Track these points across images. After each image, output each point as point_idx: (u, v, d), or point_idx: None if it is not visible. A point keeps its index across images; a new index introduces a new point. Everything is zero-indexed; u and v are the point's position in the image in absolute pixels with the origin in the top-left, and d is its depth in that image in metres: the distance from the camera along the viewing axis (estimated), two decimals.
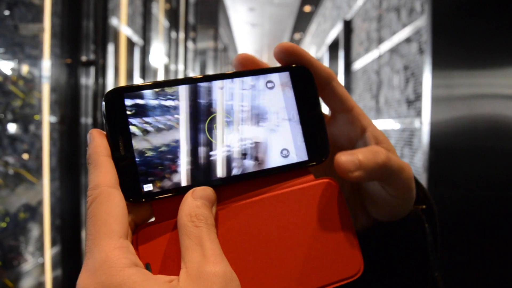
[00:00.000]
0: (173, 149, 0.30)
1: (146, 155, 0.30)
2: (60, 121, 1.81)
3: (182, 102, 0.31)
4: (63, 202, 1.83)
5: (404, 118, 2.24)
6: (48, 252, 1.70)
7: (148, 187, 0.29)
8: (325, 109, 0.35)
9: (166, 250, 0.29)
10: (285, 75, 0.33)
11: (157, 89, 0.30)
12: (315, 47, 6.80)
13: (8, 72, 1.46)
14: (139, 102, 0.30)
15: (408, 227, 0.36)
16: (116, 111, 0.29)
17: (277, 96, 0.33)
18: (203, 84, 0.31)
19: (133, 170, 0.29)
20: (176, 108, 0.31)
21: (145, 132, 0.30)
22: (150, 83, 0.30)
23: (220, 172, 0.31)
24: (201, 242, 0.26)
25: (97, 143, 0.29)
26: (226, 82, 0.32)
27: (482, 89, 1.78)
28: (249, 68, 0.33)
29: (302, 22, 8.64)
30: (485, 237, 1.76)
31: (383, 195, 0.33)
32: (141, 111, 0.30)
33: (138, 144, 0.30)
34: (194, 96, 0.31)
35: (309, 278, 0.30)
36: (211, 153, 0.31)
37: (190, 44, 5.13)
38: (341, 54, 3.86)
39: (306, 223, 0.31)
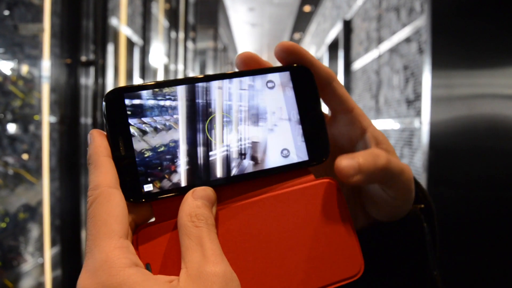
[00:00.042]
0: (174, 149, 0.30)
1: (146, 155, 0.30)
2: (59, 121, 1.81)
3: (183, 102, 0.31)
4: (63, 202, 1.83)
5: (404, 118, 2.24)
6: (48, 252, 1.70)
7: (148, 187, 0.29)
8: (325, 109, 0.35)
9: (166, 250, 0.29)
10: (286, 75, 0.33)
11: (157, 89, 0.30)
12: (314, 47, 6.80)
13: (8, 72, 1.46)
14: (139, 103, 0.30)
15: (407, 227, 0.36)
16: (117, 111, 0.29)
17: (277, 96, 0.33)
18: (203, 84, 0.31)
19: (133, 170, 0.29)
20: (176, 108, 0.31)
21: (146, 132, 0.30)
22: (151, 83, 0.30)
23: (220, 172, 0.31)
24: (201, 242, 0.26)
25: (98, 143, 0.29)
26: (226, 82, 0.32)
27: (482, 89, 1.78)
28: (252, 67, 0.33)
29: (301, 22, 8.64)
30: (485, 237, 1.76)
31: (383, 196, 0.33)
32: (142, 111, 0.30)
33: (138, 144, 0.30)
34: (194, 96, 0.31)
35: (309, 278, 0.30)
36: (212, 153, 0.31)
37: (190, 44, 5.13)
38: (340, 54, 3.86)
39: (307, 223, 0.31)
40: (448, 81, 1.78)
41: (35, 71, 1.63)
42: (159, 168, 0.30)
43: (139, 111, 0.30)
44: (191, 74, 5.16)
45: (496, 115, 1.77)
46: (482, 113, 1.77)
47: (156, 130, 0.30)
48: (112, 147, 0.29)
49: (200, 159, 0.31)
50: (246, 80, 0.32)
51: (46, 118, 1.67)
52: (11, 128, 1.48)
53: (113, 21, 2.35)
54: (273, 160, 0.32)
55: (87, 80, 1.93)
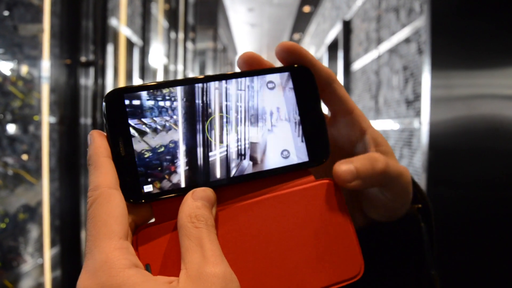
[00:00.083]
0: (174, 150, 0.30)
1: (146, 156, 0.30)
2: (59, 121, 1.81)
3: (183, 103, 0.31)
4: (63, 202, 1.83)
5: (403, 118, 2.24)
6: (48, 252, 1.70)
7: (148, 188, 0.29)
8: (325, 110, 0.35)
9: (166, 251, 0.29)
10: (286, 76, 0.33)
11: (157, 90, 0.30)
12: (314, 47, 6.80)
13: (8, 72, 1.46)
14: (139, 103, 0.30)
15: (405, 227, 0.36)
16: (117, 112, 0.29)
17: (278, 96, 0.33)
18: (203, 85, 0.31)
19: (133, 171, 0.29)
20: (176, 109, 0.31)
21: (146, 133, 0.30)
22: (151, 84, 0.30)
23: (220, 173, 0.31)
24: (201, 243, 0.26)
25: (98, 144, 0.29)
26: (226, 82, 0.32)
27: (482, 89, 1.78)
28: (254, 67, 0.33)
29: (301, 22, 8.65)
30: (485, 237, 1.76)
31: (381, 198, 0.34)
32: (142, 112, 0.30)
33: (138, 145, 0.30)
34: (194, 97, 0.31)
35: (309, 279, 0.30)
36: (211, 154, 0.31)
37: (190, 45, 5.13)
38: (340, 55, 3.86)
39: (307, 224, 0.31)
40: (448, 82, 1.78)
41: (35, 72, 1.63)
42: (159, 168, 0.30)
43: (139, 112, 0.30)
44: (190, 74, 5.16)
45: (495, 116, 1.77)
46: (481, 114, 1.77)
47: (156, 130, 0.30)
48: (112, 148, 0.29)
49: (200, 160, 0.31)
50: (246, 80, 0.32)
51: (46, 119, 1.67)
52: (11, 128, 1.48)
53: (113, 22, 2.35)
54: (273, 161, 0.32)
55: (86, 80, 1.93)
